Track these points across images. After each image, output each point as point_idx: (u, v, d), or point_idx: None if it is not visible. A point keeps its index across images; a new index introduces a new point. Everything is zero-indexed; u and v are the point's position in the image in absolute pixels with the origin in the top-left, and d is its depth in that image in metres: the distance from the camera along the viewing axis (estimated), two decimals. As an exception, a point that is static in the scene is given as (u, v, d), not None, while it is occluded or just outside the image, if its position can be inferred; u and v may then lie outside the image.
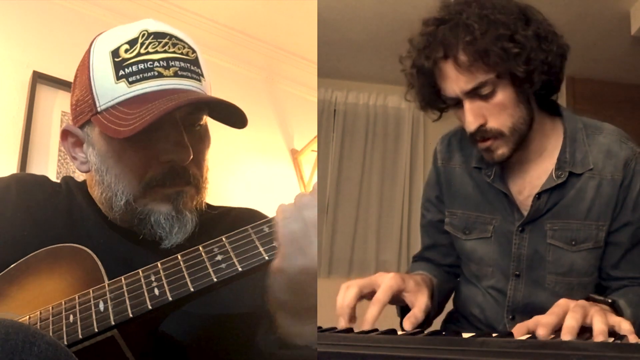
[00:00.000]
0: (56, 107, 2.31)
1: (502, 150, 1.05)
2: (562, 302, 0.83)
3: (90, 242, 0.96)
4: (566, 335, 0.76)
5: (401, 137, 3.46)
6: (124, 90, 0.92)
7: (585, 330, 0.79)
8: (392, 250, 3.36)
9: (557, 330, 0.79)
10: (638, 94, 3.19)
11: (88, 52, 0.99)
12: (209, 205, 1.13)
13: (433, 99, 1.10)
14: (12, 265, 0.92)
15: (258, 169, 2.77)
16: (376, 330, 0.86)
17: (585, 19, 2.63)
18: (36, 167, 2.19)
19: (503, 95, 1.02)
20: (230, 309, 0.95)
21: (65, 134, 1.04)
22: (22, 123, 2.21)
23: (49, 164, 2.24)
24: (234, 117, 0.96)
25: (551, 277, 1.12)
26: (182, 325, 0.90)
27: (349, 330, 0.87)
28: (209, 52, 2.74)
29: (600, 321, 0.78)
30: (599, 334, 0.77)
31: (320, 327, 0.87)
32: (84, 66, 0.99)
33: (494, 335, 0.82)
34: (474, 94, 1.02)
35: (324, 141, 3.38)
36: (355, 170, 3.40)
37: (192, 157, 0.94)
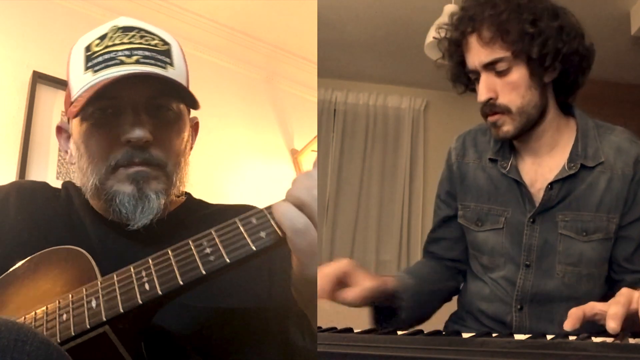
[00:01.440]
0: (56, 107, 2.31)
1: (507, 128, 1.12)
2: (625, 291, 0.83)
3: (90, 242, 0.98)
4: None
5: (401, 137, 3.47)
6: (89, 79, 0.98)
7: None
8: (392, 250, 3.36)
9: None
10: (638, 94, 3.19)
11: (69, 55, 1.05)
12: (204, 203, 1.13)
13: (459, 72, 1.19)
14: (9, 270, 0.93)
15: (258, 169, 2.77)
16: (376, 330, 0.86)
17: (585, 19, 2.62)
18: (36, 167, 2.20)
19: (517, 75, 1.10)
20: (232, 303, 0.95)
21: (58, 130, 1.10)
22: (22, 123, 2.21)
23: (49, 164, 2.24)
24: (185, 96, 1.01)
25: (560, 267, 1.15)
26: (182, 318, 0.91)
27: (349, 330, 0.87)
28: (209, 52, 2.74)
29: None
30: None
31: (320, 327, 0.87)
32: (67, 68, 1.05)
33: (494, 335, 0.82)
34: (491, 68, 1.10)
35: (324, 141, 3.38)
36: (355, 170, 3.40)
37: (149, 138, 0.96)
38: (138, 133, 0.95)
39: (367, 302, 1.09)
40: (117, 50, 0.99)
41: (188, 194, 1.13)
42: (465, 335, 0.78)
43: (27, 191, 1.09)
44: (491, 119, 1.12)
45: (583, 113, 1.20)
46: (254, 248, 0.77)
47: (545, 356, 0.59)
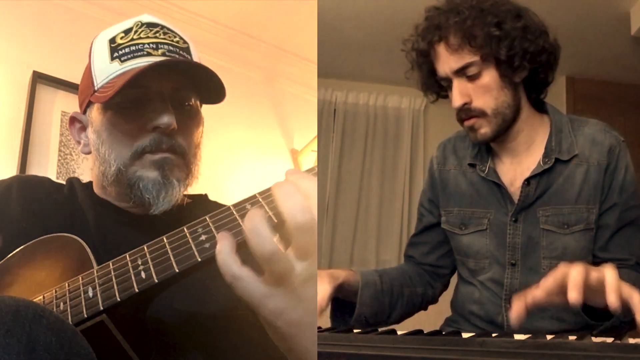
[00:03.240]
0: (56, 107, 2.31)
1: (484, 130, 1.14)
2: (561, 266, 0.89)
3: (89, 233, 0.98)
4: (572, 290, 0.81)
5: (401, 137, 3.46)
6: (116, 68, 1.01)
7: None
8: (392, 250, 3.36)
9: (555, 332, 0.79)
10: (638, 94, 3.20)
11: (90, 46, 1.07)
12: (219, 204, 1.14)
13: (430, 81, 1.21)
14: (7, 257, 0.93)
15: (258, 169, 2.77)
16: (376, 330, 0.86)
17: (585, 19, 2.63)
18: (36, 167, 2.19)
19: (488, 77, 1.12)
20: (217, 307, 0.95)
21: (72, 120, 1.12)
22: (22, 123, 2.21)
23: (49, 164, 2.24)
24: (211, 89, 1.03)
25: (546, 261, 1.17)
26: (176, 323, 0.91)
27: (349, 330, 0.87)
28: (209, 52, 2.74)
29: (579, 273, 0.84)
30: (574, 285, 0.83)
31: (320, 327, 0.87)
32: (89, 59, 1.06)
33: (494, 335, 0.82)
34: (462, 74, 1.12)
35: (324, 141, 3.38)
36: (355, 170, 3.40)
37: (175, 126, 0.99)
38: (167, 120, 0.98)
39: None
40: (143, 43, 1.02)
41: (205, 195, 1.15)
42: (465, 335, 0.78)
43: (29, 183, 1.11)
44: (467, 123, 1.14)
45: (556, 109, 1.23)
46: None
47: (545, 356, 0.59)
